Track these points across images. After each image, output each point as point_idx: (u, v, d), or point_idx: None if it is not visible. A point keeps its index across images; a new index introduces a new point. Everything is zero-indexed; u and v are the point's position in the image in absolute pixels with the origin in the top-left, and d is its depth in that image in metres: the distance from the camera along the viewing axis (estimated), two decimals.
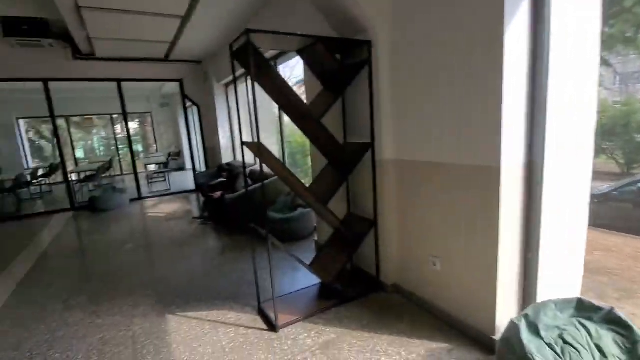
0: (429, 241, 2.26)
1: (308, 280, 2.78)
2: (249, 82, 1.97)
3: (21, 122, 10.81)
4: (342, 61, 2.41)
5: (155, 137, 12.89)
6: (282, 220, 3.89)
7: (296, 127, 2.29)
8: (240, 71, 5.57)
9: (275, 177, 4.43)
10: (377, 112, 2.30)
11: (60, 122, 16.26)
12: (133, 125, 14.46)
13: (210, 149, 7.54)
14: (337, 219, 2.33)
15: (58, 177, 10.03)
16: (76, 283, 3.17)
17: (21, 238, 4.90)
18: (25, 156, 10.81)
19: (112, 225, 5.19)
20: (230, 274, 3.15)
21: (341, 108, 2.60)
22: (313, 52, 2.20)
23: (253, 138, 2.01)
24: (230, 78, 6.28)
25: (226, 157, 7.00)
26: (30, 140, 14.44)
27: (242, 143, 2.22)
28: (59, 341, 2.27)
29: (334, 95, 2.30)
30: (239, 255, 3.62)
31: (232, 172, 4.93)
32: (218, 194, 4.88)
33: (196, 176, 6.61)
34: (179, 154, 12.30)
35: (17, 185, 6.89)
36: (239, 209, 4.24)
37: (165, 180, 9.13)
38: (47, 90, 6.10)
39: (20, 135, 10.70)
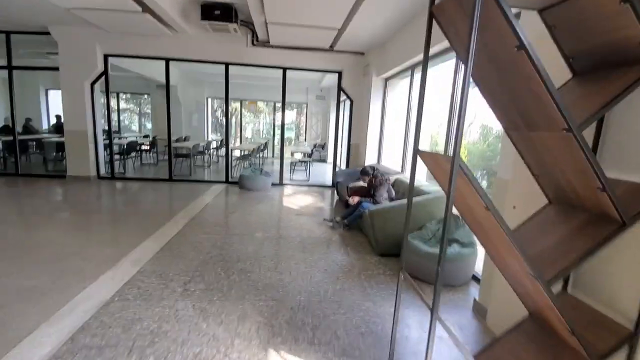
0: None
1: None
2: (418, 75, 1.14)
3: (209, 100, 12.98)
4: None
5: (306, 128, 13.54)
6: (428, 256, 2.94)
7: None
8: (410, 61, 4.71)
9: (430, 196, 3.49)
10: None
11: (237, 105, 19.18)
12: (291, 114, 15.70)
13: (355, 146, 7.09)
14: (562, 316, 1.26)
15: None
16: (203, 263, 3.07)
17: (184, 198, 5.52)
18: (207, 129, 12.95)
19: (250, 207, 5.29)
20: (353, 311, 2.44)
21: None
22: (582, 7, 1.19)
23: (410, 143, 1.17)
24: (391, 72, 5.58)
25: (370, 158, 6.39)
26: (215, 117, 17.49)
27: (416, 152, 1.42)
28: (161, 338, 2.02)
29: (608, 91, 1.22)
30: (368, 284, 2.89)
31: (376, 177, 4.22)
32: (355, 199, 4.27)
33: (335, 173, 6.23)
34: (323, 146, 12.56)
35: (193, 154, 8.04)
36: (377, 224, 3.50)
37: (306, 169, 9.30)
38: (226, 74, 6.76)
39: (207, 111, 12.86)
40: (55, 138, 7.98)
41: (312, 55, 6.62)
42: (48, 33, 6.11)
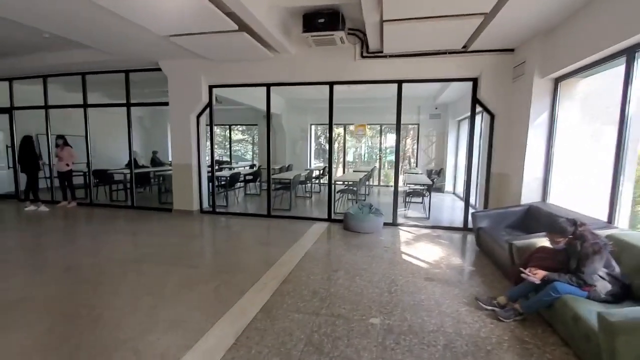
0: None
1: None
2: None
3: (312, 127, 12.52)
4: None
5: (417, 152, 11.83)
6: None
7: None
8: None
9: None
10: None
11: (340, 130, 18.64)
12: (392, 137, 14.22)
13: (498, 177, 5.17)
14: None
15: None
16: None
17: (279, 244, 4.55)
18: (310, 156, 12.44)
19: (359, 261, 3.98)
20: None
21: None
22: None
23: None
24: (571, 68, 3.66)
25: (528, 195, 4.42)
26: (318, 143, 17.30)
27: None
28: None
29: None
30: None
31: (583, 239, 2.40)
32: (539, 274, 2.52)
33: (474, 216, 4.46)
34: (439, 172, 10.61)
35: (293, 185, 7.27)
36: (626, 347, 1.72)
37: (422, 202, 7.66)
38: (330, 95, 5.80)
39: (310, 138, 12.40)
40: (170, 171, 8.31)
41: (436, 61, 5.15)
42: (160, 69, 6.21)
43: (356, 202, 6.88)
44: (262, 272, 3.54)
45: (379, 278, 3.46)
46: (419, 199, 7.46)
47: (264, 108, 6.31)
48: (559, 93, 4.15)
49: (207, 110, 6.36)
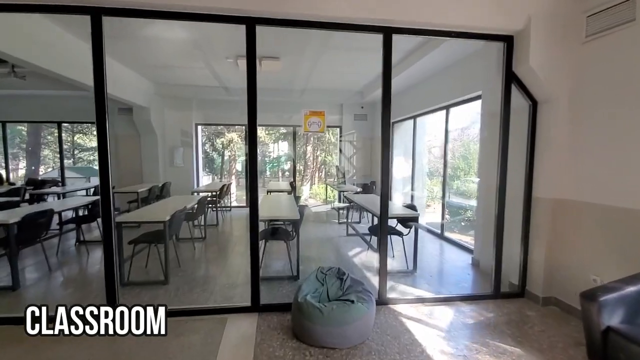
0: None
1: None
2: None
3: (199, 129, 8.86)
4: None
5: (340, 159, 9.58)
6: None
7: None
8: None
9: None
10: None
11: (232, 135, 15.23)
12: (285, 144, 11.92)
13: (553, 205, 3.02)
14: None
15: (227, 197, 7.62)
16: None
17: None
18: (198, 171, 8.72)
19: None
20: None
21: None
22: None
23: None
24: None
25: None
26: (204, 151, 13.59)
27: None
28: None
29: None
30: None
31: None
32: None
33: (598, 303, 2.07)
34: (373, 186, 8.48)
35: (171, 231, 3.83)
36: None
37: (393, 244, 5.20)
38: (250, 40, 2.73)
39: (197, 145, 8.72)
40: None
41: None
42: None
43: (294, 254, 3.88)
44: None
45: None
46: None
47: (112, 93, 2.74)
48: None
49: None
